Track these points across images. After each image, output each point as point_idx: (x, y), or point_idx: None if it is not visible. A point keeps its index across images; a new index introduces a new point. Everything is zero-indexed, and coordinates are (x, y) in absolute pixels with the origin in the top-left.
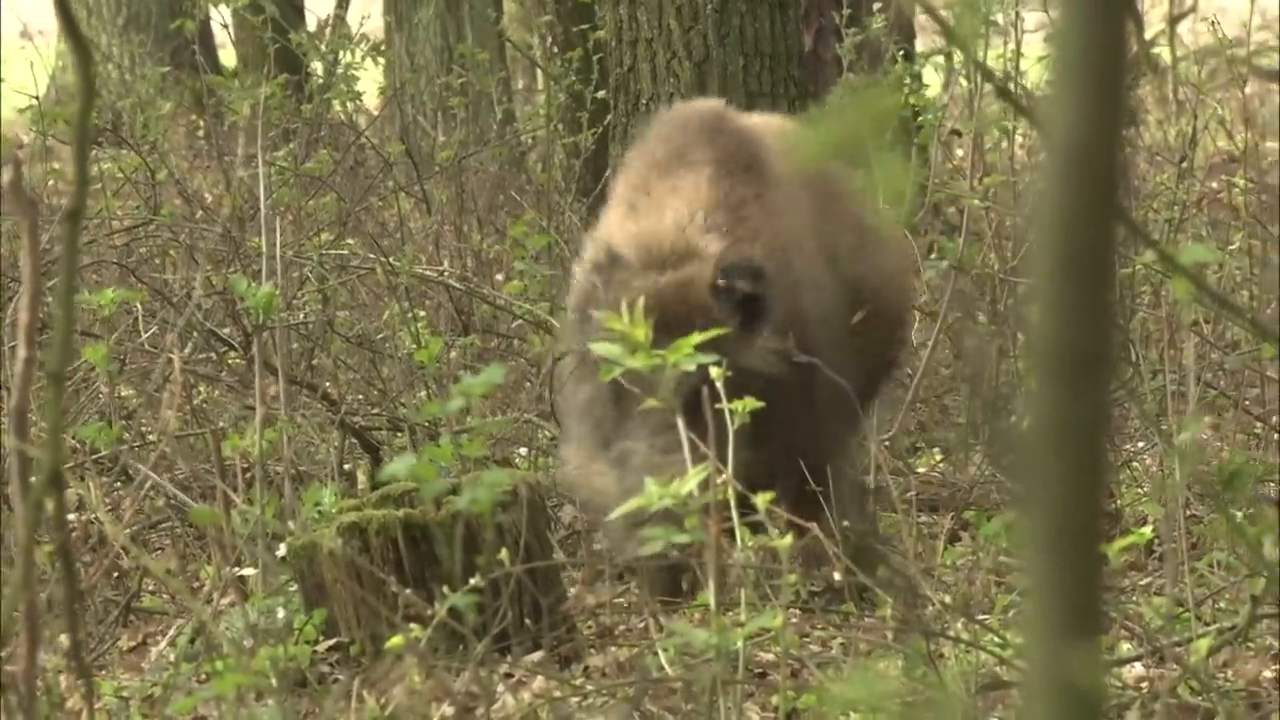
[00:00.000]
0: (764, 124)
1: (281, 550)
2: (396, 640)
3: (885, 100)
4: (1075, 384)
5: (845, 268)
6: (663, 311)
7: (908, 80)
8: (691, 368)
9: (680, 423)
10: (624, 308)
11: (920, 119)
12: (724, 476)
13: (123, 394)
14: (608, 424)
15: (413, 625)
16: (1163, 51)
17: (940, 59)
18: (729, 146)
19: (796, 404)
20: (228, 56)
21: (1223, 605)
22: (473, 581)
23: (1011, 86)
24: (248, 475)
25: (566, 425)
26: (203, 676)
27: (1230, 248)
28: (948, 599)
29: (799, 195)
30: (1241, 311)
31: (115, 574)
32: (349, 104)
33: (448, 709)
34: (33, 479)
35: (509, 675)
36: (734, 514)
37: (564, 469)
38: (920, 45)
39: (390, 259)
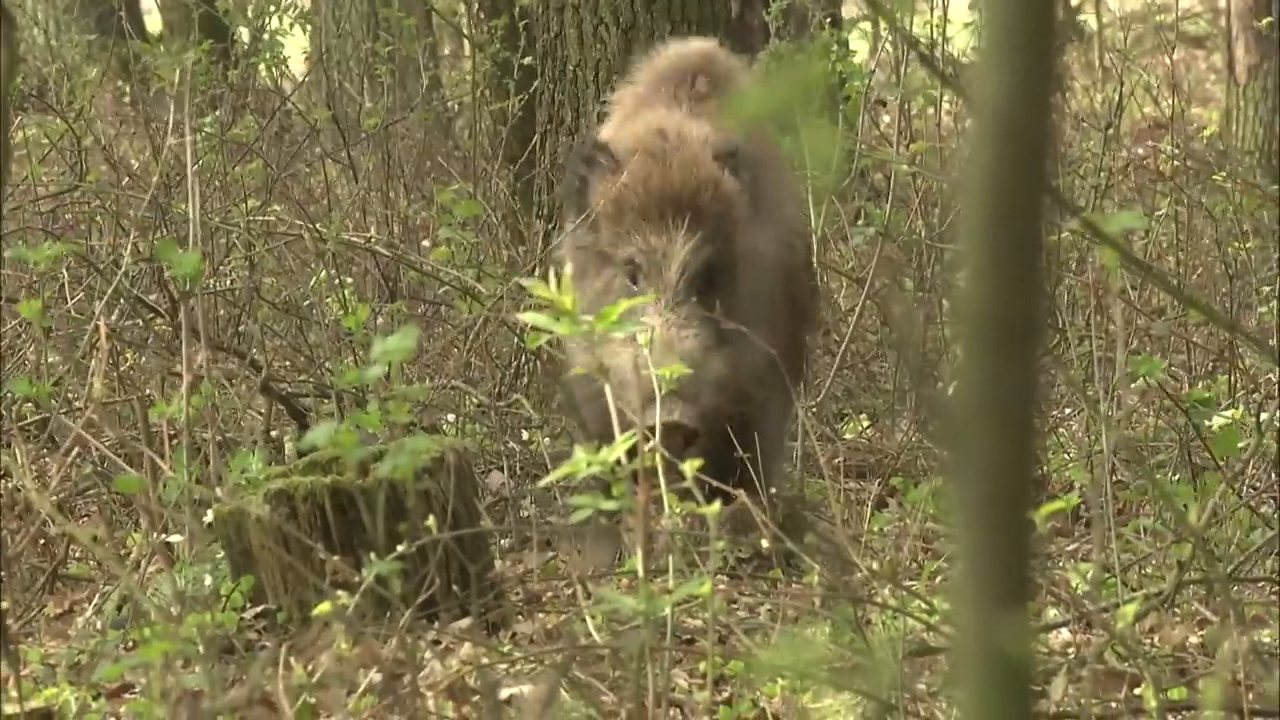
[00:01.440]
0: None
1: (208, 517)
2: (324, 607)
3: (813, 67)
4: (1004, 351)
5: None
6: (672, 189)
7: (834, 47)
8: (619, 334)
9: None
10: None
11: (847, 86)
12: (651, 444)
13: (50, 361)
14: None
15: (340, 592)
16: (1089, 18)
17: (867, 25)
18: (710, 82)
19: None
20: (154, 23)
21: (1149, 571)
22: (399, 548)
23: (937, 53)
24: (174, 442)
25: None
26: (130, 644)
27: (1157, 214)
28: (875, 565)
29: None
30: (1165, 278)
31: (42, 541)
32: (275, 70)
33: (375, 675)
34: None
35: (436, 642)
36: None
37: (573, 364)
38: (847, 12)
39: (317, 225)
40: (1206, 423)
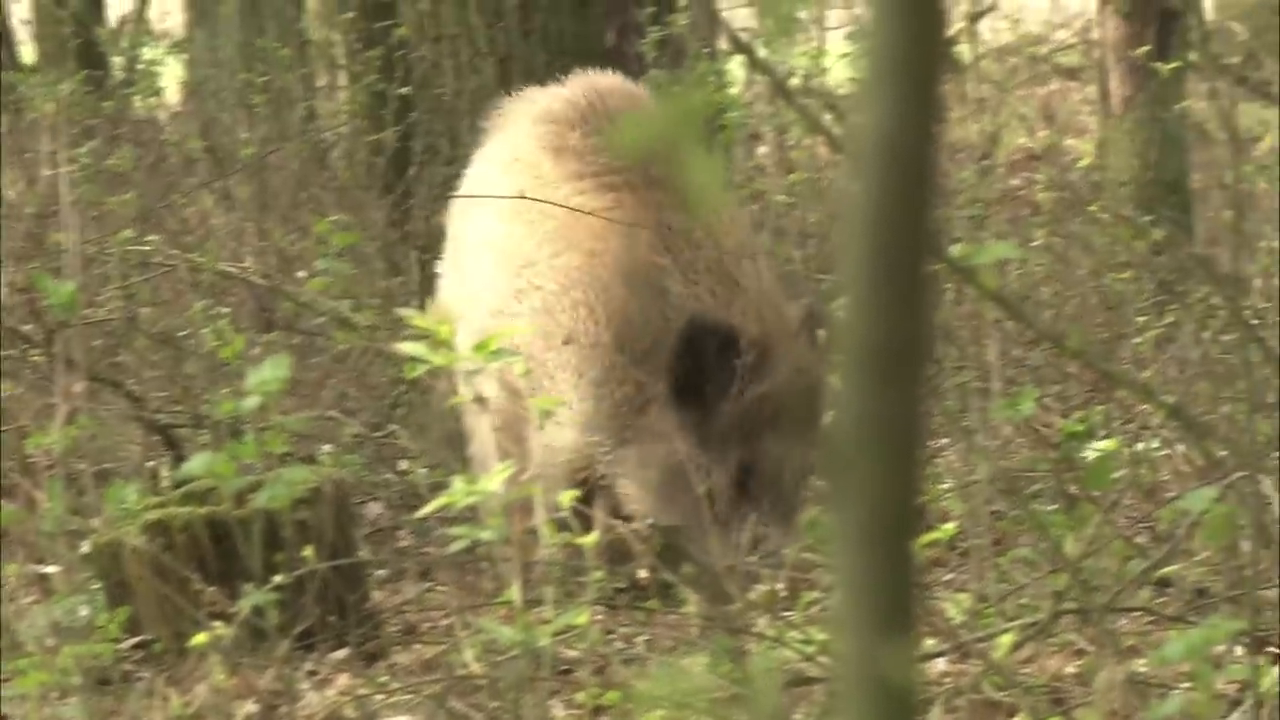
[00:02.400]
0: None
1: (84, 548)
2: (201, 638)
3: (693, 97)
4: (890, 380)
5: None
6: (791, 395)
7: (712, 78)
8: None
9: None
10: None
11: (724, 117)
12: (529, 474)
13: None
14: (729, 515)
15: (217, 623)
16: (964, 49)
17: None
18: None
19: None
20: (28, 53)
21: (1025, 601)
22: (276, 579)
23: (815, 84)
24: (50, 472)
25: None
26: (5, 675)
27: (1032, 245)
28: (752, 595)
29: None
30: (1023, 314)
31: None
32: (150, 100)
33: (252, 706)
34: None
35: (313, 673)
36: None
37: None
38: (724, 43)
39: (193, 256)
40: (1080, 455)
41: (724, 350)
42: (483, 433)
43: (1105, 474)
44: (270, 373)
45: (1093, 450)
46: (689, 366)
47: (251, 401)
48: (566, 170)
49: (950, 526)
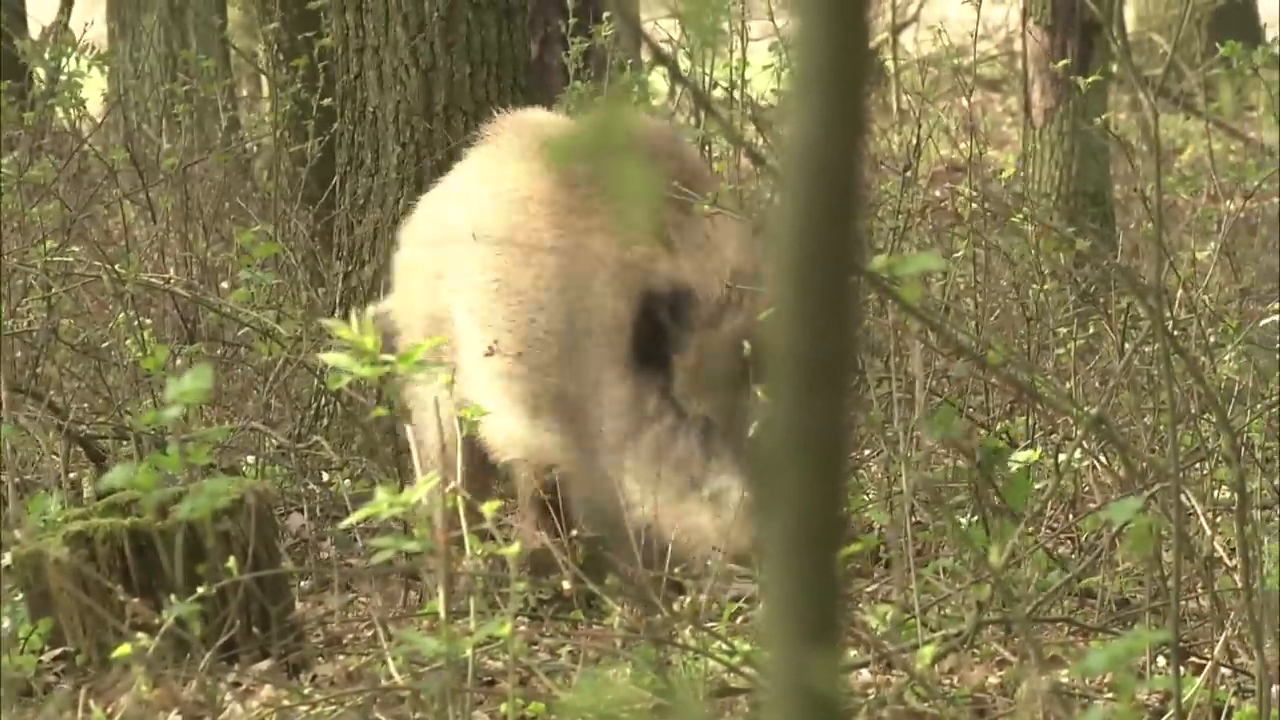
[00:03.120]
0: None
1: (6, 559)
2: (124, 649)
3: (620, 109)
4: (813, 390)
5: None
6: (741, 356)
7: (634, 89)
8: (420, 376)
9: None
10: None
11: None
12: (452, 485)
13: None
14: (695, 463)
15: (140, 634)
16: (886, 61)
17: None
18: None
19: None
20: None
21: (948, 612)
22: (199, 590)
23: (737, 96)
24: None
25: (625, 461)
26: None
27: (955, 256)
28: (676, 606)
29: None
30: (943, 329)
31: None
32: (73, 111)
33: (175, 718)
34: None
35: (237, 684)
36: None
37: (634, 509)
38: (647, 55)
39: (115, 267)
40: (1001, 468)
41: (678, 309)
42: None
43: (1021, 491)
44: (190, 384)
45: (1015, 462)
46: (647, 332)
47: (172, 412)
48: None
49: (873, 538)
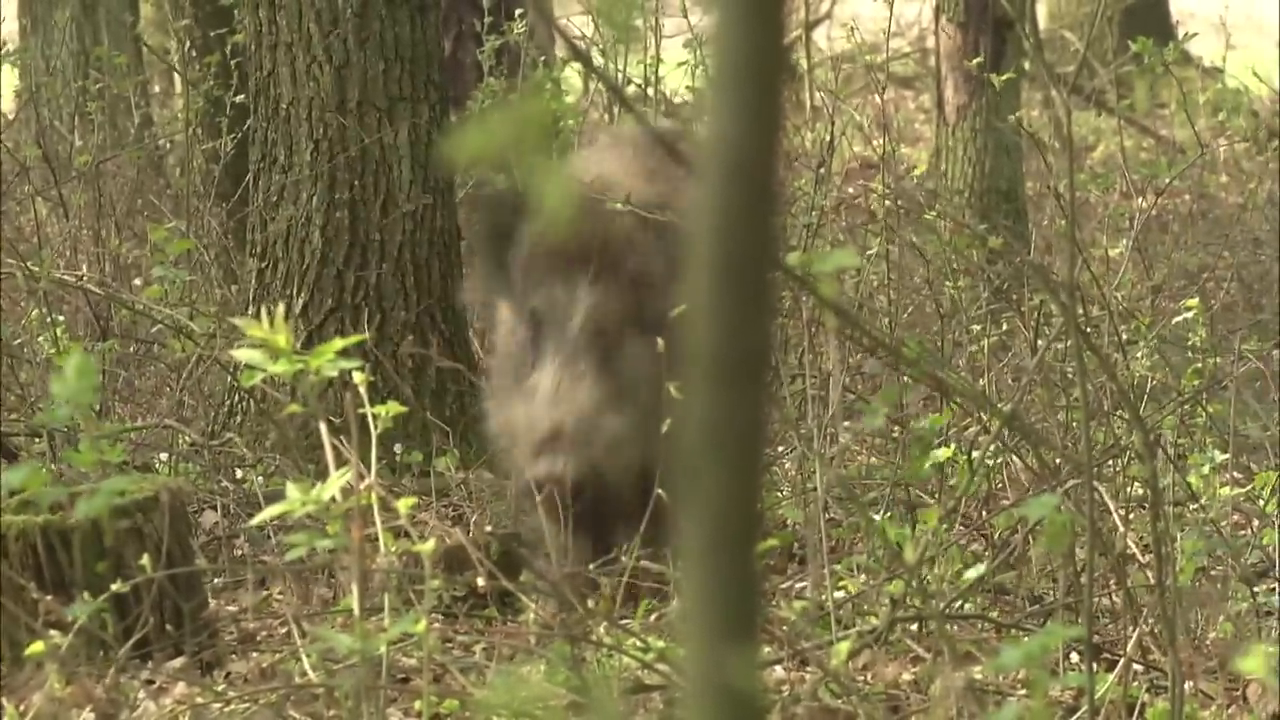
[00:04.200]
0: None
1: None
2: (36, 647)
3: (533, 105)
4: (732, 388)
5: None
6: (584, 241)
7: (548, 86)
8: (334, 373)
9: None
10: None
11: (560, 124)
12: (367, 482)
13: None
14: (524, 366)
15: (53, 632)
16: (799, 57)
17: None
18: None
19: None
20: None
21: (862, 608)
22: (112, 588)
23: (651, 92)
24: None
25: (492, 382)
26: None
27: (868, 253)
28: (591, 603)
29: None
30: (861, 324)
31: None
32: None
33: (88, 715)
34: None
35: (150, 682)
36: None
37: (489, 420)
38: (561, 51)
39: (28, 264)
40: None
41: (518, 208)
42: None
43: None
44: (77, 381)
45: (936, 455)
46: (494, 239)
47: (62, 411)
48: None
49: (788, 534)
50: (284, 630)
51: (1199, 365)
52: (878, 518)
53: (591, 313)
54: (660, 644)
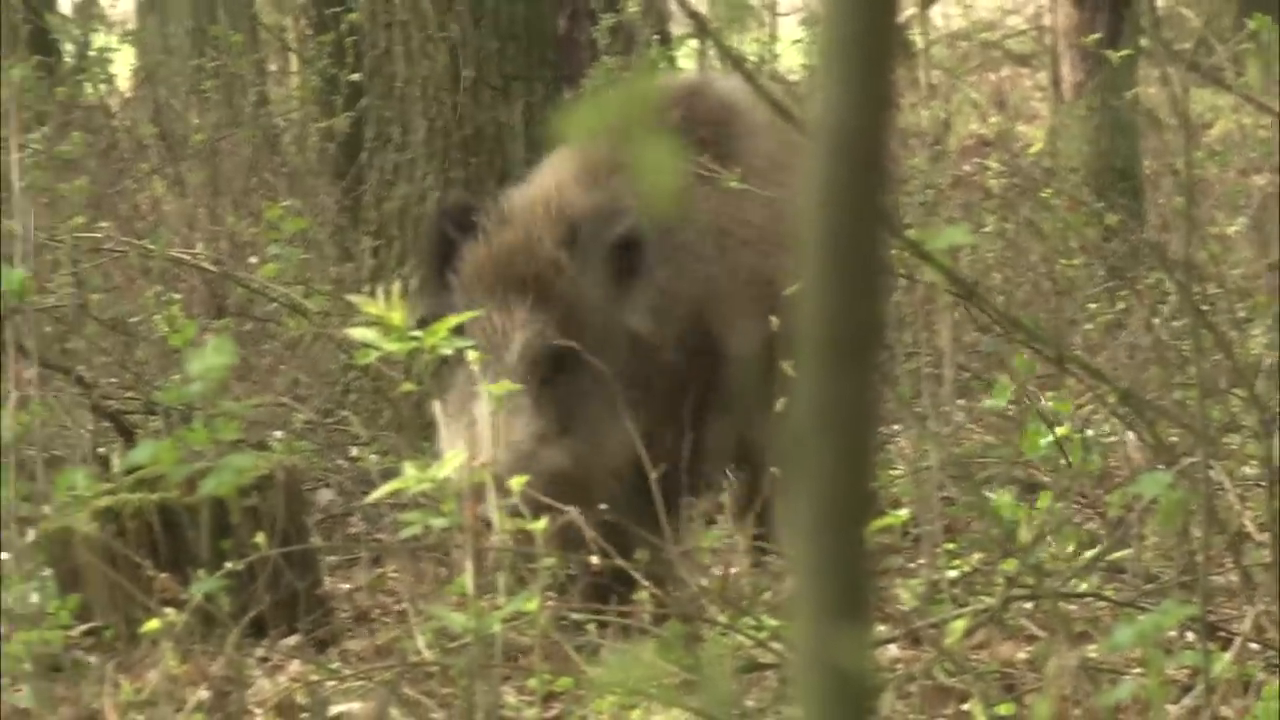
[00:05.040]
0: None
1: (32, 535)
2: (152, 624)
3: (645, 83)
4: (842, 367)
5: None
6: (517, 265)
7: (662, 65)
8: (448, 350)
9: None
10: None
11: None
12: (481, 459)
13: None
14: (465, 389)
15: (168, 610)
16: (916, 35)
17: (696, 42)
18: (689, 117)
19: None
20: None
21: (977, 587)
22: (227, 566)
23: (767, 71)
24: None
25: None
26: None
27: (984, 230)
28: (705, 582)
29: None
30: (986, 300)
31: None
32: (102, 86)
33: (203, 693)
34: None
35: (265, 659)
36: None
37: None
38: (676, 29)
39: (144, 242)
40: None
41: (463, 226)
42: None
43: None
44: (213, 359)
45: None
46: (434, 253)
47: (195, 388)
48: None
49: (903, 513)
50: (398, 608)
51: None
52: (992, 496)
53: (527, 343)
54: (774, 623)
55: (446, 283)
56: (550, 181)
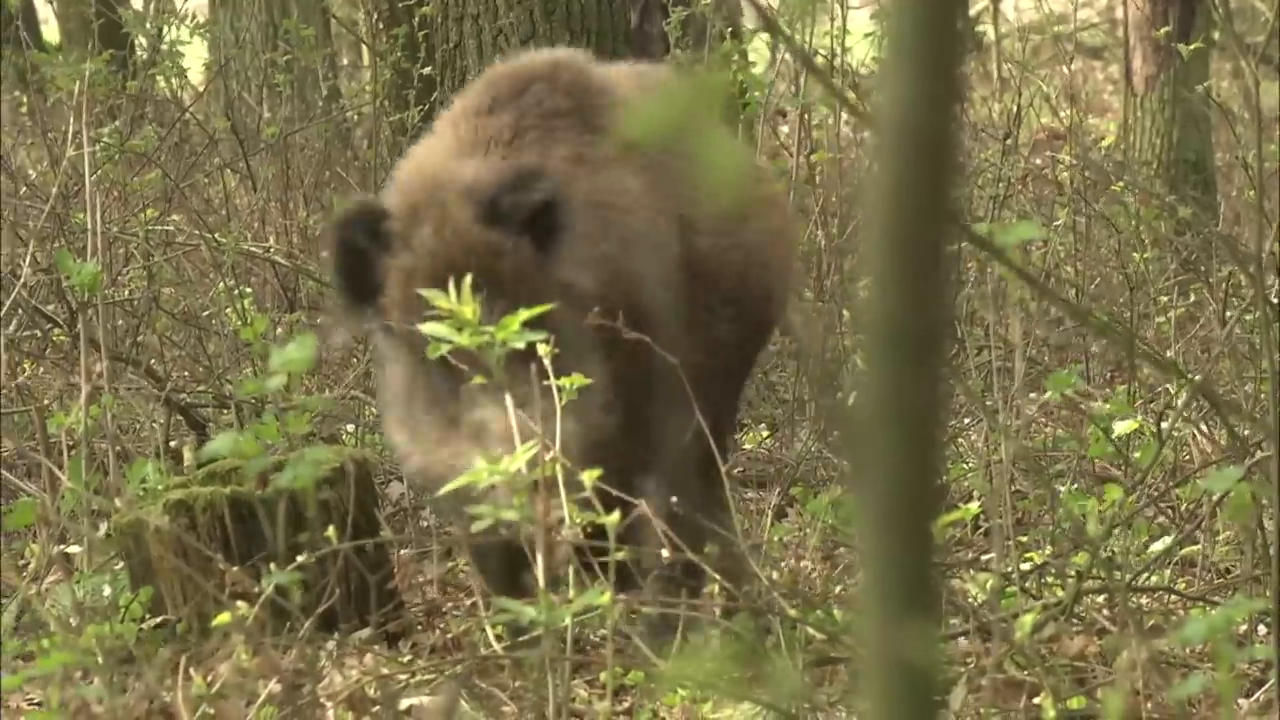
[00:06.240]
0: (623, 76)
1: (105, 528)
2: (223, 617)
3: (713, 77)
4: (910, 360)
5: (704, 240)
6: (456, 259)
7: (734, 57)
8: (521, 345)
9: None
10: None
11: (746, 96)
12: (552, 454)
13: None
14: (445, 401)
15: (239, 603)
16: (987, 28)
17: (767, 35)
18: (553, 92)
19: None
20: (51, 32)
21: (1048, 580)
22: (299, 559)
23: (836, 64)
24: (73, 452)
25: (386, 412)
26: (29, 654)
27: (1055, 224)
28: (775, 575)
29: (646, 156)
30: (1054, 293)
31: None
32: (174, 80)
33: (275, 686)
34: None
35: (336, 653)
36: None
37: (407, 460)
38: (747, 22)
39: (216, 235)
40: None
41: (374, 230)
42: None
43: (1104, 443)
44: (295, 353)
45: (1121, 427)
46: (347, 263)
47: (276, 381)
48: None
49: (973, 506)
50: (469, 602)
51: None
52: (1063, 490)
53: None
54: (845, 616)
55: (366, 290)
56: (439, 165)
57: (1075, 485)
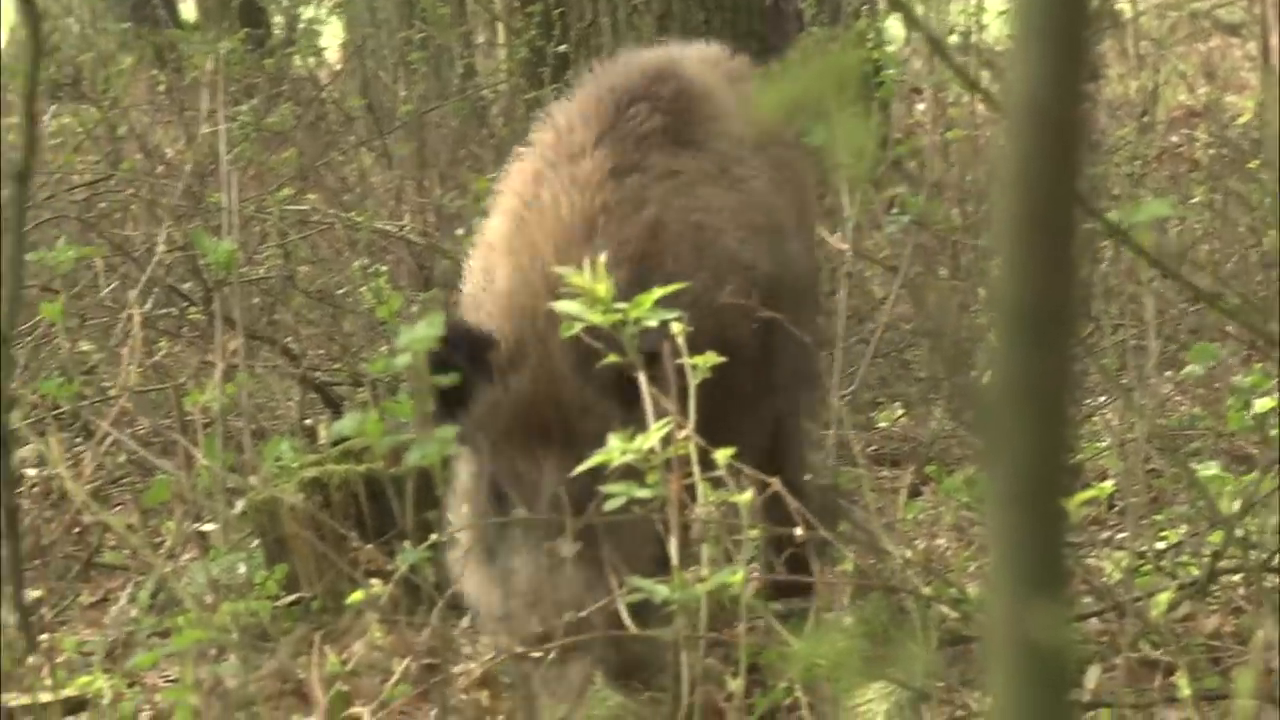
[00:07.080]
0: (713, 74)
1: (240, 505)
2: (357, 595)
3: (847, 55)
4: (1040, 340)
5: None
6: (541, 404)
7: (869, 35)
8: (653, 322)
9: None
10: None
11: (881, 74)
12: (685, 432)
13: (84, 349)
14: (489, 530)
15: (373, 580)
16: (1124, 5)
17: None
18: (656, 109)
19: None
20: (189, 11)
21: (1183, 559)
22: (433, 537)
23: (973, 41)
24: (208, 430)
25: (456, 531)
26: (164, 631)
27: (1191, 202)
28: (909, 554)
29: (739, 161)
30: (1181, 275)
31: (76, 530)
32: (310, 59)
33: (408, 664)
34: None
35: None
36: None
37: (454, 569)
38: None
39: (351, 214)
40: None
41: (479, 353)
42: None
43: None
44: (423, 331)
45: (1260, 404)
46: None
47: (403, 360)
48: None
49: (1107, 485)
50: None
51: None
52: (1198, 468)
53: (561, 491)
54: (979, 595)
55: (453, 411)
56: (541, 276)
57: (1212, 463)
